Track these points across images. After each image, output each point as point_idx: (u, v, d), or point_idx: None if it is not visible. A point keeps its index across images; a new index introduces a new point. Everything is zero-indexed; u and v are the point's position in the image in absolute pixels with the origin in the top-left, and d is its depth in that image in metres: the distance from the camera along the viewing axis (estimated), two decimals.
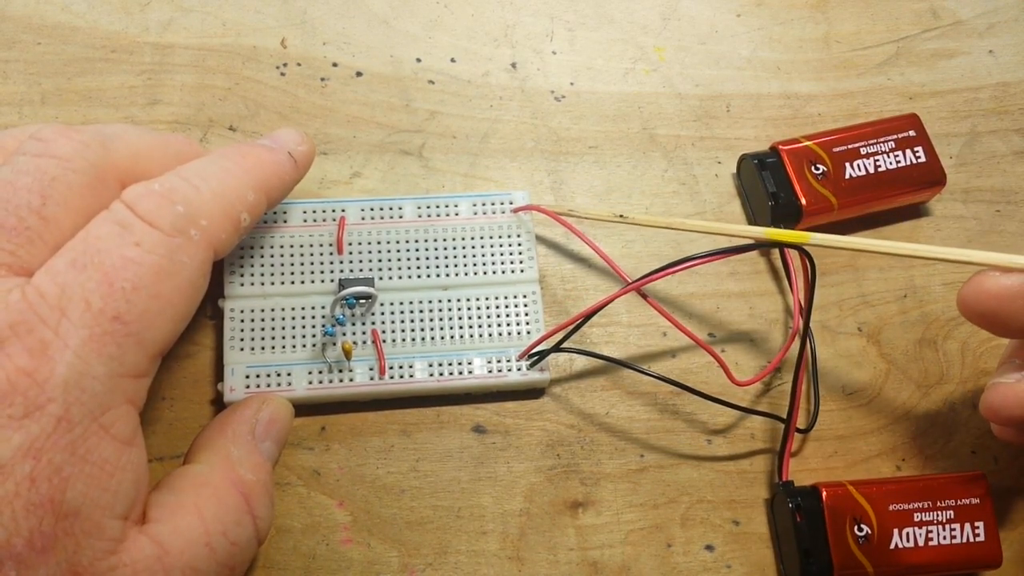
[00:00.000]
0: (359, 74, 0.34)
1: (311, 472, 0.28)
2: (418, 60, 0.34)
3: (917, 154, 0.33)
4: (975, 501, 0.28)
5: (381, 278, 0.29)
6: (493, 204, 0.31)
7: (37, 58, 0.32)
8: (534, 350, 0.28)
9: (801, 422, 0.30)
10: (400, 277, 0.29)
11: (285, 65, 0.33)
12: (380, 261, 0.29)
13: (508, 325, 0.29)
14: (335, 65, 0.34)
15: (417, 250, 0.30)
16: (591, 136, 0.34)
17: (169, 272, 0.21)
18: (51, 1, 0.33)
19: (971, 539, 0.28)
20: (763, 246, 0.32)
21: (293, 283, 0.29)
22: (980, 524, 0.28)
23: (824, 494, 0.28)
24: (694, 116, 0.35)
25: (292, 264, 0.29)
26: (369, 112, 0.33)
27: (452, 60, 0.34)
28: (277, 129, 0.27)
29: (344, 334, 0.28)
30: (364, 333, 0.28)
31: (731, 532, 0.29)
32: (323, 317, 0.28)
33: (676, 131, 0.34)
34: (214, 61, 0.33)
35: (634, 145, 0.34)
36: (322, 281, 0.29)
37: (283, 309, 0.28)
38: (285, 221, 0.29)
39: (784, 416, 0.29)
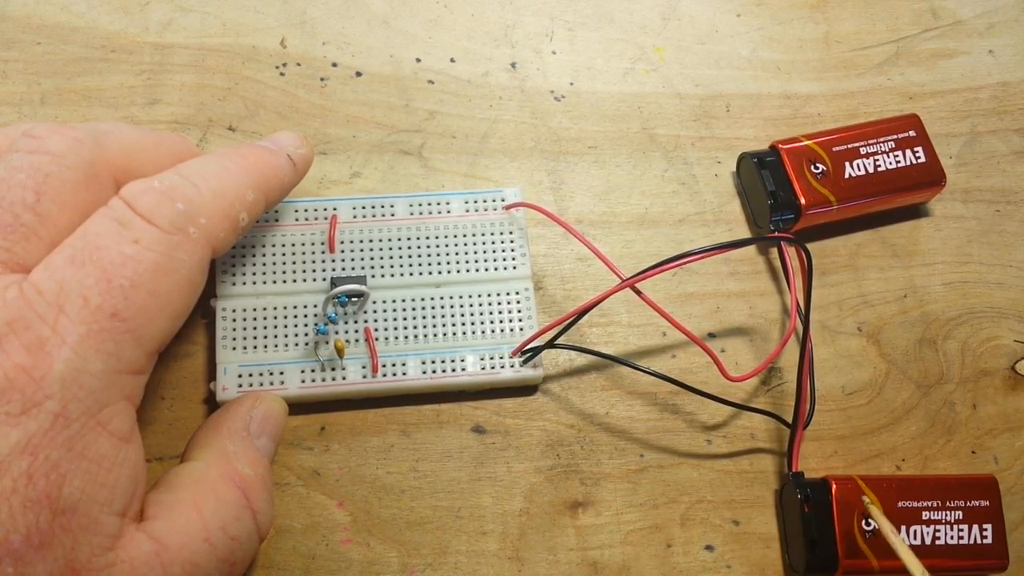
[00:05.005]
0: (359, 74, 0.34)
1: (311, 472, 0.28)
2: (418, 60, 0.34)
3: (917, 154, 0.33)
4: (985, 503, 0.28)
5: (373, 276, 0.29)
6: (485, 201, 0.31)
7: (37, 58, 0.32)
8: (527, 347, 0.28)
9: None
10: (392, 275, 0.29)
11: (285, 65, 0.33)
12: (372, 259, 0.29)
13: (501, 322, 0.29)
14: (335, 65, 0.34)
15: (409, 248, 0.30)
16: (591, 136, 0.34)
17: (167, 269, 0.21)
18: (51, 1, 0.33)
19: (979, 541, 0.28)
20: (757, 241, 0.33)
21: (285, 282, 0.28)
22: (988, 527, 0.28)
23: (834, 487, 0.28)
24: (694, 116, 0.35)
25: (284, 263, 0.29)
26: (369, 112, 0.33)
27: (452, 60, 0.34)
28: (277, 132, 0.28)
29: (336, 332, 0.28)
30: (356, 331, 0.28)
31: (731, 532, 0.29)
32: (315, 316, 0.28)
33: (676, 131, 0.34)
34: (214, 61, 0.33)
35: (634, 145, 0.34)
36: (314, 280, 0.29)
37: (275, 308, 0.28)
38: (277, 220, 0.29)
39: (782, 413, 0.30)
